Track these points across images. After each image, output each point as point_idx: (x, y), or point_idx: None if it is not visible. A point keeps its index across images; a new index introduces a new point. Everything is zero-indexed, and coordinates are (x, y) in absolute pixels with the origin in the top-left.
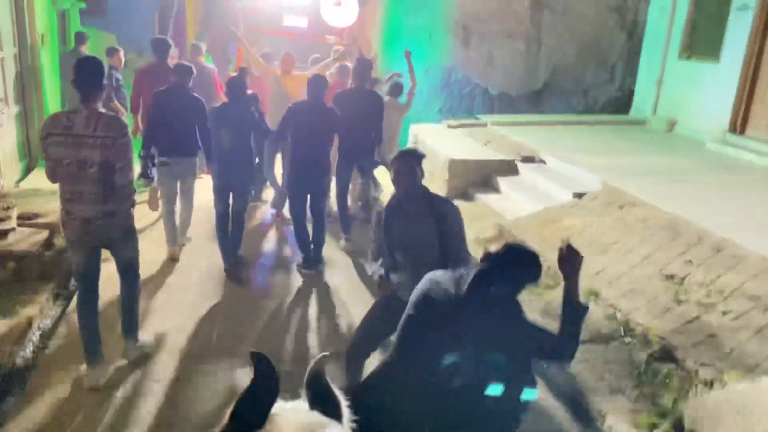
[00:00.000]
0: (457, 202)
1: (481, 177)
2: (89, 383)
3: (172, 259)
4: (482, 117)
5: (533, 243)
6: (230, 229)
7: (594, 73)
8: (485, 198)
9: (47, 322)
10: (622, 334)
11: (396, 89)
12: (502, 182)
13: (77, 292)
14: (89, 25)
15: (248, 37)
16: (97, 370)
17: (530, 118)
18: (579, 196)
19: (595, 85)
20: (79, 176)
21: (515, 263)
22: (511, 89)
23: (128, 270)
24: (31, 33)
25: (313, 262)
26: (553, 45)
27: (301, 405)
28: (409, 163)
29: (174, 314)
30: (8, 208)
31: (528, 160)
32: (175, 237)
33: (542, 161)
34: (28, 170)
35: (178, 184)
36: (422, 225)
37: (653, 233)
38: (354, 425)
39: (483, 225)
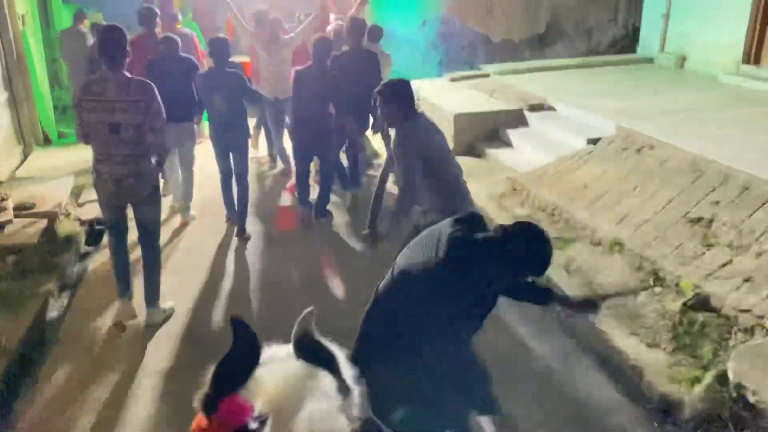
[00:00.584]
0: (465, 158)
1: (489, 130)
2: (121, 317)
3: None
4: (485, 67)
5: (549, 195)
6: (236, 191)
7: (596, 13)
8: (494, 152)
9: (54, 314)
10: (652, 284)
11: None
12: (511, 134)
13: (108, 240)
14: (71, 2)
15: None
16: (129, 306)
17: (535, 64)
18: (593, 142)
19: (599, 26)
20: (111, 139)
21: (522, 245)
22: (512, 35)
23: (149, 232)
24: (11, 14)
25: (320, 212)
26: None
27: (290, 356)
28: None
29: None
30: (2, 199)
31: (536, 108)
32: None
33: (551, 108)
34: (24, 156)
35: (176, 151)
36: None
37: (675, 176)
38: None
39: (494, 180)
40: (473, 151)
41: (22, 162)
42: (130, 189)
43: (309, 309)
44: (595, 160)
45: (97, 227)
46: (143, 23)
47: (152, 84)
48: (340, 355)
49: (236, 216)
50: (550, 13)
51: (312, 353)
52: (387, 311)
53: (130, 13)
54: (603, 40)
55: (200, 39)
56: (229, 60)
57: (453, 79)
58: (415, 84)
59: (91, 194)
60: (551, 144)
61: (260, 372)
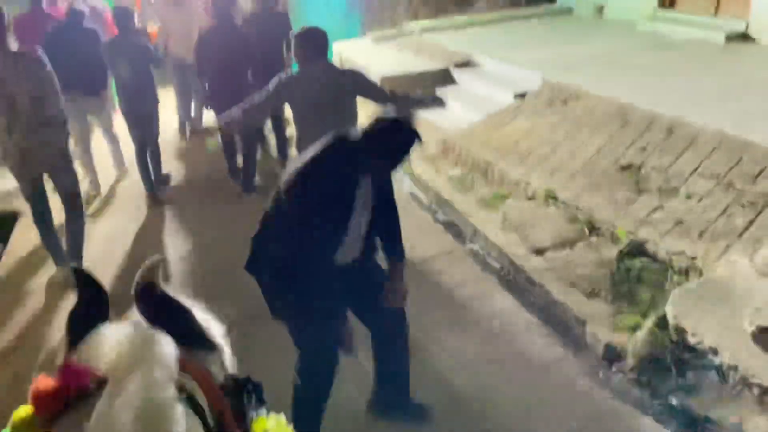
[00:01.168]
0: None
1: (418, 91)
2: (56, 279)
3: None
4: (408, 25)
5: (481, 153)
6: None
7: None
8: (424, 113)
9: None
10: (587, 234)
11: None
12: (440, 93)
13: (32, 212)
14: None
15: None
16: (65, 270)
17: (458, 20)
18: (521, 96)
19: None
20: (10, 114)
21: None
22: None
23: (71, 199)
24: None
25: (248, 188)
26: None
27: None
28: None
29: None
30: None
31: (463, 65)
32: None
33: (478, 65)
34: None
35: (93, 121)
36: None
37: (602, 124)
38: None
39: (427, 141)
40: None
41: None
42: (37, 157)
43: (156, 257)
44: (523, 114)
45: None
46: None
47: (40, 56)
48: (198, 310)
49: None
50: None
51: (160, 309)
52: (269, 226)
53: None
54: None
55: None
56: (134, 29)
57: (376, 39)
58: (337, 46)
59: None
60: (480, 101)
61: (106, 331)
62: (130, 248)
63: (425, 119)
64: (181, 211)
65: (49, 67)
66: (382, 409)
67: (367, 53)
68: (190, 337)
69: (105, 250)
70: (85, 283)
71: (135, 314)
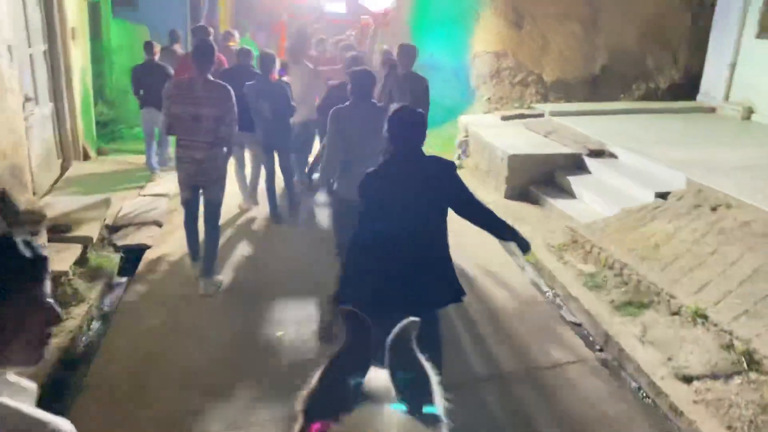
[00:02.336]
0: (518, 203)
1: (545, 174)
2: (204, 292)
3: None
4: (539, 106)
5: (616, 252)
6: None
7: (655, 56)
8: (551, 198)
9: (80, 353)
10: (746, 367)
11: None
12: (570, 180)
13: (184, 220)
14: (120, 18)
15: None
16: (210, 281)
17: (591, 106)
18: (662, 196)
19: (657, 70)
20: (194, 128)
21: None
22: (566, 75)
23: (213, 211)
24: (61, 27)
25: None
26: (611, 27)
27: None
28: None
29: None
30: (37, 222)
31: (596, 154)
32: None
33: (612, 155)
34: (62, 171)
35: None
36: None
37: (760, 240)
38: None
39: (551, 228)
40: (527, 195)
41: (60, 176)
42: (205, 171)
43: (413, 319)
44: (665, 215)
45: (130, 256)
46: (196, 37)
47: (227, 86)
48: (435, 379)
49: (273, 208)
50: (606, 54)
51: (406, 368)
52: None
53: (171, 27)
54: (661, 84)
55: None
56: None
57: (505, 117)
58: (464, 120)
59: (128, 216)
60: (614, 194)
61: (360, 413)
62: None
63: (551, 204)
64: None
65: (233, 97)
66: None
67: (494, 130)
68: None
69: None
70: (354, 327)
71: None
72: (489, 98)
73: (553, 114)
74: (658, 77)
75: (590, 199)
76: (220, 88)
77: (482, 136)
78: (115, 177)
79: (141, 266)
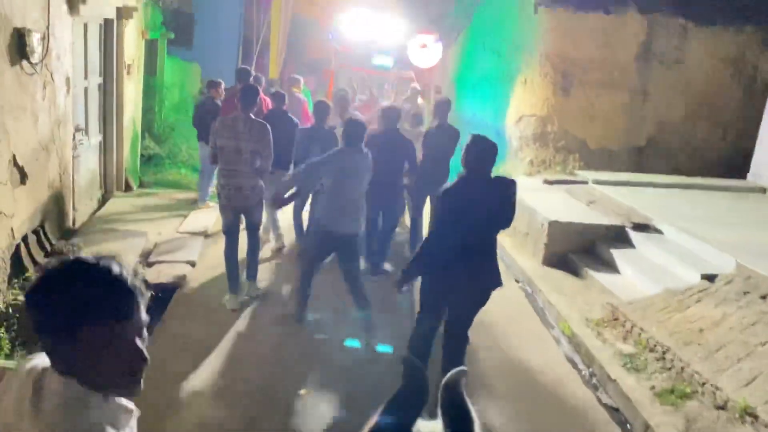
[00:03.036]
0: (556, 271)
1: (585, 243)
2: (231, 306)
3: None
4: (582, 173)
5: (659, 334)
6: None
7: (705, 130)
8: (592, 270)
9: None
10: None
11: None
12: (612, 253)
13: (226, 241)
14: (174, 55)
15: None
16: (237, 296)
17: (636, 177)
18: (709, 278)
19: (706, 145)
20: (236, 159)
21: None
22: (612, 144)
23: (254, 228)
24: (118, 63)
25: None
26: (660, 98)
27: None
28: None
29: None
30: (73, 253)
31: (641, 228)
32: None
33: (658, 230)
34: (103, 201)
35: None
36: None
37: None
38: None
39: (589, 301)
40: (566, 263)
41: (99, 207)
42: (245, 197)
43: (461, 368)
44: (711, 299)
45: (162, 295)
46: (239, 79)
47: (266, 125)
48: (477, 423)
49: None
50: (653, 125)
51: (456, 416)
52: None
53: (226, 70)
54: (708, 160)
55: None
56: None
57: (547, 182)
58: None
59: (162, 252)
60: (658, 271)
61: None
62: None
63: (590, 275)
64: None
65: (270, 133)
66: None
67: (536, 193)
68: None
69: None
70: (412, 374)
71: None
72: (531, 161)
73: (597, 182)
74: (705, 153)
75: (632, 275)
76: (260, 125)
77: (523, 198)
78: (155, 210)
79: (169, 308)
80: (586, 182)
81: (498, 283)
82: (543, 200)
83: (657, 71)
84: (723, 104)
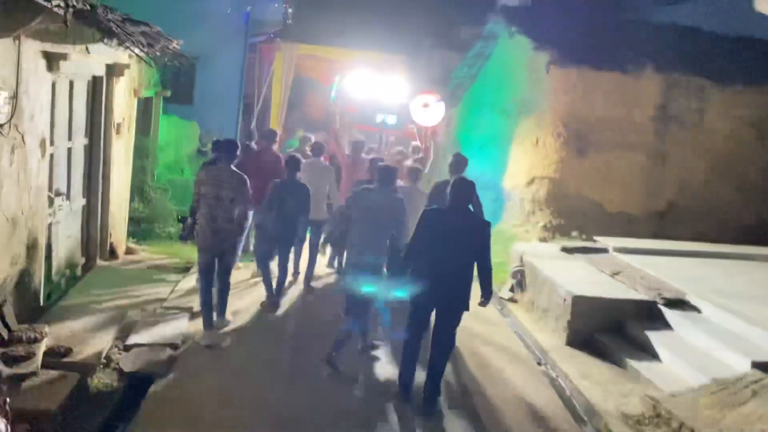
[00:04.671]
0: (582, 355)
1: (613, 321)
2: (205, 342)
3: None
4: (601, 240)
5: None
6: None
7: (728, 194)
8: (624, 354)
9: None
10: None
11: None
12: (646, 334)
13: (200, 281)
14: (171, 113)
15: (342, 132)
16: (211, 333)
17: (660, 244)
18: (762, 367)
19: (730, 209)
20: (216, 205)
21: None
22: (630, 208)
23: (226, 271)
24: (106, 122)
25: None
26: (680, 160)
27: None
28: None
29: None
30: (35, 340)
31: (674, 304)
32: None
33: (694, 308)
34: (84, 272)
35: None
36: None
37: None
38: None
39: (623, 392)
40: (592, 344)
41: (81, 276)
42: (222, 239)
43: None
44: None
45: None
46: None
47: (244, 176)
48: None
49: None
50: (674, 189)
51: None
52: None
53: (226, 128)
54: (733, 225)
55: None
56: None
57: (566, 249)
58: (520, 248)
59: (142, 333)
60: (700, 357)
61: None
62: None
63: (623, 361)
64: None
65: (247, 184)
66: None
67: (554, 262)
68: None
69: None
70: None
71: None
72: (545, 225)
73: (618, 250)
74: (730, 218)
75: (672, 361)
76: (238, 176)
77: (540, 269)
78: (139, 281)
79: (143, 408)
80: (606, 250)
81: (465, 307)
82: (563, 271)
83: (675, 132)
84: (746, 167)
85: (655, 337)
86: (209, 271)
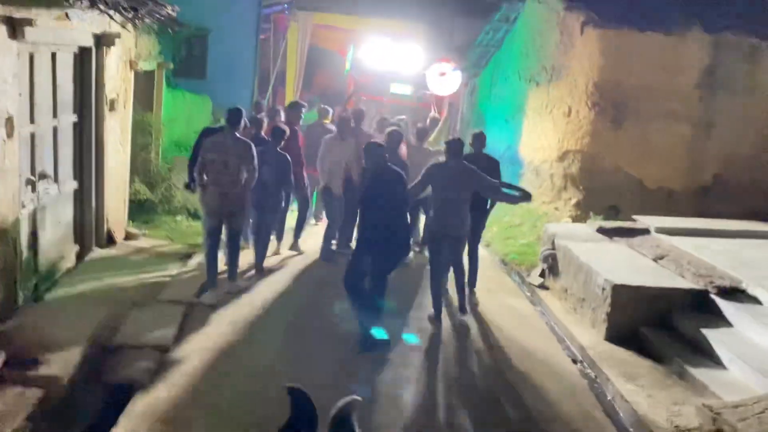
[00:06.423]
0: (626, 351)
1: (659, 313)
2: (208, 301)
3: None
4: (641, 218)
5: None
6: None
7: None
8: (674, 352)
9: None
10: None
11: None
12: (695, 327)
13: (204, 243)
14: (181, 88)
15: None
16: (213, 293)
17: (707, 223)
18: None
19: None
20: (223, 171)
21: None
22: (671, 183)
23: (235, 233)
24: (97, 98)
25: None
26: (727, 130)
27: None
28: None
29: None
30: None
31: (728, 293)
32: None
33: (753, 298)
34: (77, 260)
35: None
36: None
37: None
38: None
39: (677, 398)
40: (636, 340)
41: (68, 270)
42: (229, 202)
43: (354, 397)
44: None
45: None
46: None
47: (249, 142)
48: None
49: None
50: (720, 162)
51: None
52: None
53: (240, 102)
54: None
55: None
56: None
57: (602, 230)
58: (552, 228)
59: (128, 333)
60: (765, 359)
61: None
62: None
63: (672, 359)
64: None
65: (253, 150)
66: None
67: (589, 245)
68: None
69: None
70: (299, 402)
71: None
72: (578, 202)
73: (661, 231)
74: None
75: (730, 362)
76: (243, 142)
77: (575, 252)
78: (137, 268)
79: (120, 426)
80: (647, 230)
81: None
82: (600, 256)
83: (723, 99)
84: None
85: (709, 333)
86: (215, 233)
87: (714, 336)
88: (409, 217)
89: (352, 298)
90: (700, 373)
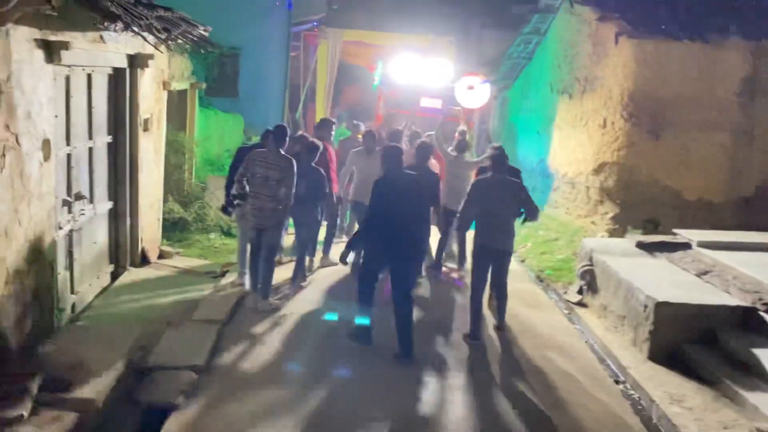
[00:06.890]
0: (670, 372)
1: (703, 331)
2: (251, 305)
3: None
4: (681, 232)
5: None
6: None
7: None
8: (722, 374)
9: None
10: None
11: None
12: (744, 346)
13: (240, 255)
14: (214, 107)
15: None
16: (256, 297)
17: (754, 237)
18: None
19: None
20: (263, 185)
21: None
22: (711, 195)
23: (271, 250)
24: (132, 119)
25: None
26: None
27: None
28: None
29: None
30: (25, 375)
31: None
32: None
33: None
34: (112, 280)
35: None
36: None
37: None
38: None
39: (728, 422)
40: (681, 360)
41: (103, 290)
42: (267, 217)
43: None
44: None
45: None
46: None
47: (292, 159)
48: None
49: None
50: (763, 172)
51: None
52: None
53: (271, 120)
54: None
55: None
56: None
57: (641, 245)
58: (590, 243)
59: (163, 353)
60: None
61: None
62: None
63: (725, 384)
64: None
65: (295, 168)
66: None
67: (628, 261)
68: None
69: None
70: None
71: None
72: (614, 216)
73: (703, 245)
74: None
75: None
76: (286, 158)
77: (614, 268)
78: (171, 287)
79: None
80: (689, 245)
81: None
82: (640, 272)
83: (764, 107)
84: None
85: (760, 353)
86: (252, 244)
87: (762, 353)
88: (457, 235)
89: (360, 298)
90: (752, 395)
